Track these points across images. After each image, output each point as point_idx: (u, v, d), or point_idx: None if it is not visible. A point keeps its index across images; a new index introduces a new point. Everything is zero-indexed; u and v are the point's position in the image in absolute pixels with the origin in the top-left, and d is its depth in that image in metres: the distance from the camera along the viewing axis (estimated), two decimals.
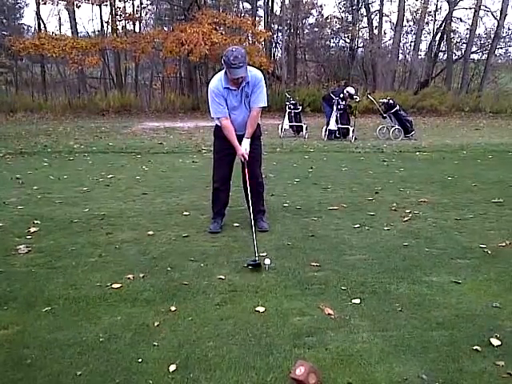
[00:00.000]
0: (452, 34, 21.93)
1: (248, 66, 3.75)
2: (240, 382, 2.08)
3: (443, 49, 22.95)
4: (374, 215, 4.67)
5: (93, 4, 19.02)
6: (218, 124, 4.01)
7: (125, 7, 19.68)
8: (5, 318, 2.63)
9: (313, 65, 25.01)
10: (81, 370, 2.16)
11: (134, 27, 20.83)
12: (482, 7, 20.46)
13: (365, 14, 23.33)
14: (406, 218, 4.54)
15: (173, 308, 2.73)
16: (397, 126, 11.17)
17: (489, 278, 3.14)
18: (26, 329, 2.51)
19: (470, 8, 20.91)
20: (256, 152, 4.10)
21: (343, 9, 24.41)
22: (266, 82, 4.12)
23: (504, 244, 3.78)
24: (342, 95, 11.04)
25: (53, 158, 8.25)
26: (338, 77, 21.60)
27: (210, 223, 4.27)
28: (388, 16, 26.44)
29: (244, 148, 3.92)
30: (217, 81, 3.83)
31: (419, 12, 20.92)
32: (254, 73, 3.84)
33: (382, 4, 21.60)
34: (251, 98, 3.86)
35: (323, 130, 11.20)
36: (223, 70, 3.78)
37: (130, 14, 19.84)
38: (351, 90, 11.39)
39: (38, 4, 19.77)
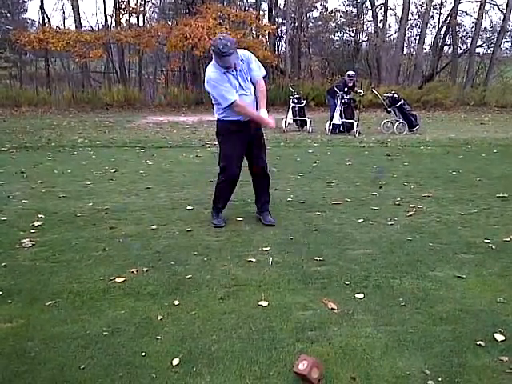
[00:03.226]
0: (457, 27, 21.74)
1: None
2: (243, 376, 2.08)
3: (448, 42, 22.79)
4: (378, 210, 4.66)
5: None
6: (227, 117, 3.92)
7: (128, 1, 19.64)
8: (9, 311, 2.65)
9: (317, 59, 24.83)
10: (84, 364, 2.17)
11: (138, 21, 20.80)
12: (487, 0, 20.28)
13: (369, 7, 23.18)
14: (409, 213, 4.53)
15: (176, 302, 2.74)
16: (401, 121, 11.11)
17: (493, 273, 3.13)
18: (30, 322, 2.53)
19: (476, 1, 20.72)
20: (263, 139, 4.18)
21: (348, 2, 24.28)
22: (270, 76, 4.11)
23: (508, 239, 3.76)
24: (346, 89, 10.99)
25: (57, 152, 8.26)
26: (342, 71, 21.41)
27: (212, 218, 4.26)
28: (393, 9, 26.24)
29: (266, 117, 3.89)
30: (213, 70, 3.76)
31: (424, 5, 20.74)
32: (240, 51, 3.81)
33: None
34: (252, 73, 3.86)
35: (327, 124, 11.16)
36: (213, 60, 3.74)
37: (133, 8, 19.79)
38: (350, 72, 11.40)
39: None
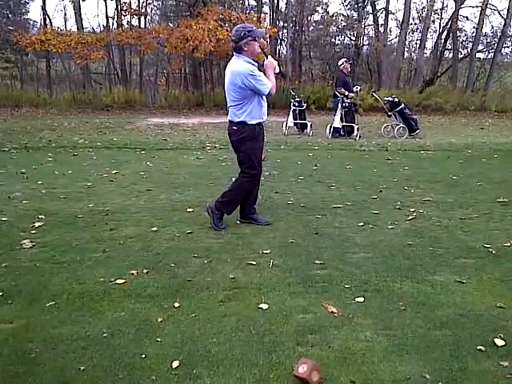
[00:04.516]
0: (458, 32, 21.74)
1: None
2: (242, 379, 2.08)
3: (449, 47, 22.80)
4: (378, 213, 4.66)
5: None
6: (254, 119, 3.96)
7: (130, 2, 19.67)
8: (9, 312, 2.65)
9: (318, 62, 24.88)
10: (84, 365, 2.17)
11: (140, 23, 20.83)
12: (488, 6, 20.28)
13: (370, 11, 23.23)
14: (410, 217, 4.53)
15: (176, 304, 2.74)
16: (401, 125, 11.11)
17: (493, 278, 3.14)
18: (30, 323, 2.53)
19: (477, 6, 20.70)
20: None
21: (349, 6, 24.32)
22: None
23: (508, 244, 3.77)
24: (347, 93, 11.00)
25: (57, 153, 8.26)
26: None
27: (217, 222, 4.16)
28: (394, 14, 26.26)
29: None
30: (247, 62, 3.84)
31: (425, 10, 20.77)
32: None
33: (387, 2, 21.44)
34: None
35: (327, 127, 11.17)
36: (238, 58, 3.86)
37: (135, 10, 19.81)
38: (342, 59, 11.40)
39: None
